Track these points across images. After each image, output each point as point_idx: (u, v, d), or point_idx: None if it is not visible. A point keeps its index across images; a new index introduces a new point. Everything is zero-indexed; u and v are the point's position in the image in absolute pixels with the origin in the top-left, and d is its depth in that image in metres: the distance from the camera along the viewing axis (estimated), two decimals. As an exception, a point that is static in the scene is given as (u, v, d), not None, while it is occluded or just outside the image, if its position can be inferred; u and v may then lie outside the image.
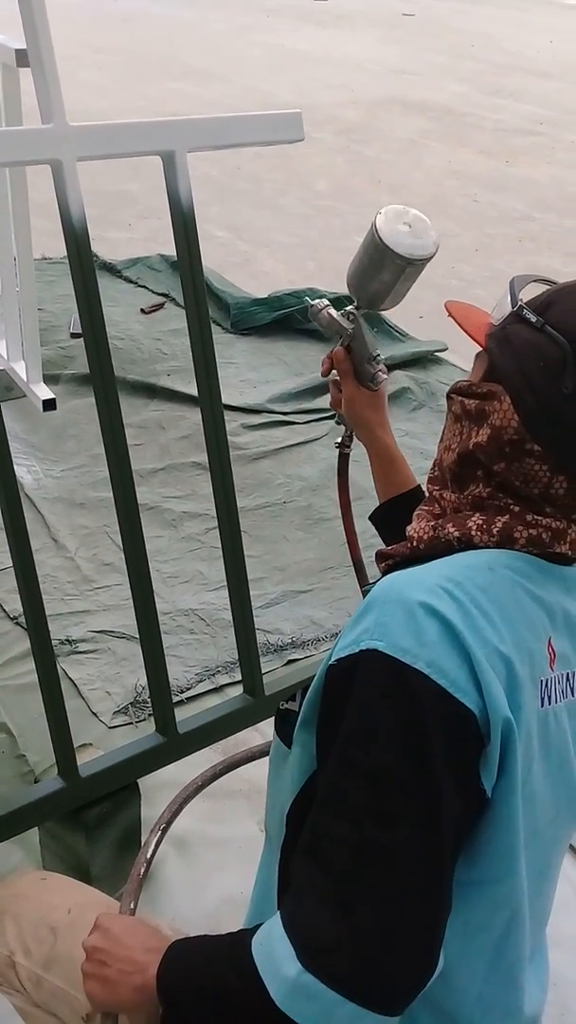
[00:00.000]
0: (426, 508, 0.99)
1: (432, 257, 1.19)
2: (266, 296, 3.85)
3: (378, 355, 1.29)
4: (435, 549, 0.92)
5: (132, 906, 1.08)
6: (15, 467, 1.39)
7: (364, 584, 1.43)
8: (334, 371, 1.35)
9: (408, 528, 0.97)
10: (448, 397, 0.97)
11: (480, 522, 0.91)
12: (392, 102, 7.52)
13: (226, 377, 3.51)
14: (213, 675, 2.15)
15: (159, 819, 1.24)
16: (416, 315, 4.02)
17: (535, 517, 0.90)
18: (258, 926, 0.86)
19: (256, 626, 2.34)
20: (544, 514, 0.90)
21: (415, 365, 3.53)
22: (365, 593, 0.96)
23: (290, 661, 2.22)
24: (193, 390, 3.19)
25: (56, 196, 1.37)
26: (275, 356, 3.58)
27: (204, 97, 7.10)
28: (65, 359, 3.37)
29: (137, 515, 1.52)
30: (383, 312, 3.77)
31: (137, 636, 2.23)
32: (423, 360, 3.56)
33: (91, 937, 0.98)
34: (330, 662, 0.86)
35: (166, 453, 2.96)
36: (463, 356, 3.64)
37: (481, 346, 0.94)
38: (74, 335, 3.53)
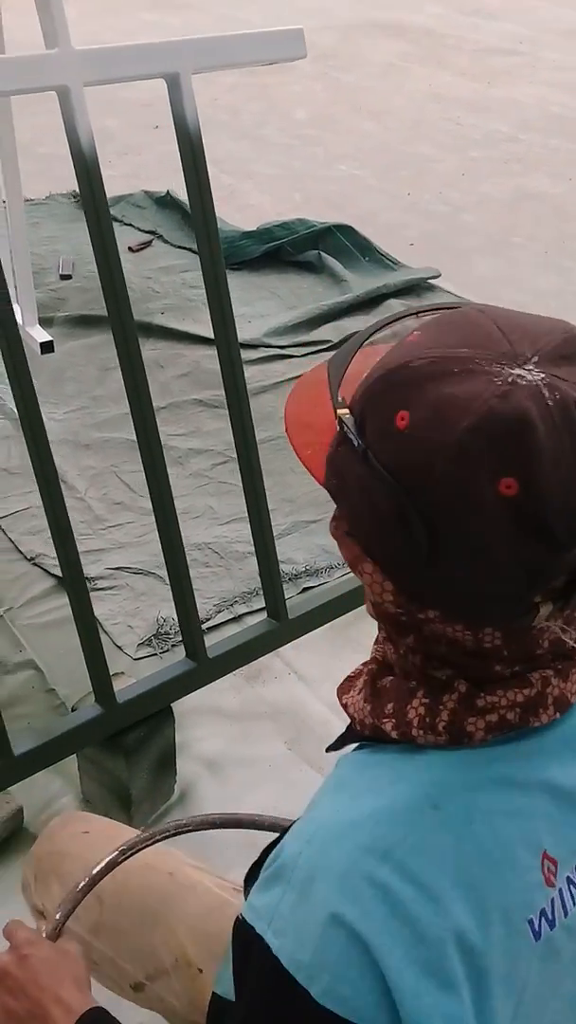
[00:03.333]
0: (375, 654, 0.79)
1: None
2: (255, 229, 3.80)
3: None
4: (380, 738, 0.74)
5: (58, 929, 0.96)
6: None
7: None
8: None
9: (352, 687, 0.79)
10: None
11: (421, 712, 0.70)
12: (369, 25, 7.32)
13: (220, 313, 3.50)
14: (231, 605, 2.19)
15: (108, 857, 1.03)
16: (406, 242, 3.99)
17: (488, 698, 0.69)
18: None
19: (270, 556, 2.38)
20: (500, 683, 0.69)
21: (409, 293, 3.51)
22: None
23: (305, 589, 2.25)
24: (189, 327, 3.18)
25: (64, 124, 1.36)
26: (267, 290, 3.56)
27: (176, 28, 6.89)
28: (57, 301, 3.34)
29: (159, 446, 1.54)
30: (374, 241, 3.77)
31: (152, 571, 2.28)
32: (417, 287, 3.54)
33: (7, 960, 0.90)
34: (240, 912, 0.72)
35: (167, 392, 2.95)
36: (457, 283, 3.63)
37: (314, 474, 0.72)
38: (63, 276, 3.49)
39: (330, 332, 3.24)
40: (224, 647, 1.69)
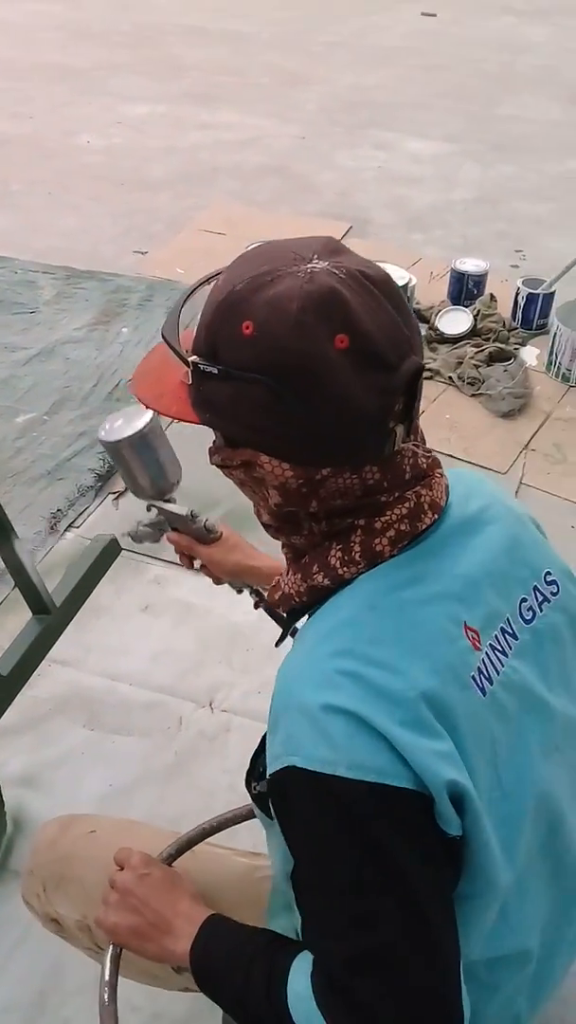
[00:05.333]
0: (289, 557, 0.93)
1: (155, 417, 1.18)
2: None
3: (194, 512, 1.25)
4: (316, 596, 0.88)
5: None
6: None
7: None
8: (196, 560, 1.31)
9: (280, 581, 0.92)
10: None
11: (339, 555, 0.86)
12: None
13: None
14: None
15: None
16: None
17: (382, 520, 0.85)
18: (288, 955, 0.86)
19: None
20: (387, 507, 0.85)
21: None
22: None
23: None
24: None
25: None
26: None
27: None
28: None
29: None
30: None
31: None
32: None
33: (126, 877, 0.98)
34: (267, 776, 0.84)
35: None
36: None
37: (192, 421, 0.85)
38: None
39: None
40: (12, 660, 1.62)
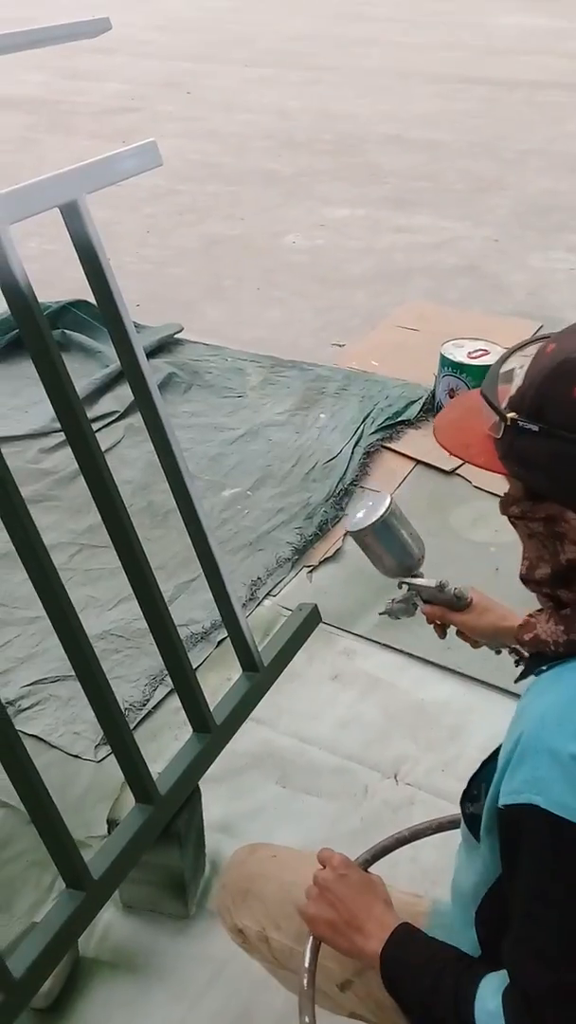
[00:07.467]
0: (549, 605, 0.99)
1: (393, 502, 1.30)
2: (-14, 321, 3.76)
3: (442, 583, 1.33)
4: (573, 650, 0.95)
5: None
6: None
7: None
8: (449, 627, 1.38)
9: (539, 630, 0.99)
10: (507, 516, 0.98)
11: None
12: (-25, 101, 7.32)
13: (-10, 410, 3.44)
14: (163, 680, 2.25)
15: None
16: (131, 305, 4.15)
17: None
18: (475, 974, 0.95)
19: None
20: None
21: (163, 350, 3.69)
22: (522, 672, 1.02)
23: (219, 642, 2.37)
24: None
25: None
26: (26, 378, 3.54)
27: None
28: None
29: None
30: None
31: (69, 674, 2.26)
32: (167, 343, 3.72)
33: (328, 876, 1.10)
34: (498, 804, 0.92)
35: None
36: (198, 332, 3.86)
37: (496, 472, 0.93)
38: None
39: (112, 402, 3.33)
40: (224, 711, 1.78)
